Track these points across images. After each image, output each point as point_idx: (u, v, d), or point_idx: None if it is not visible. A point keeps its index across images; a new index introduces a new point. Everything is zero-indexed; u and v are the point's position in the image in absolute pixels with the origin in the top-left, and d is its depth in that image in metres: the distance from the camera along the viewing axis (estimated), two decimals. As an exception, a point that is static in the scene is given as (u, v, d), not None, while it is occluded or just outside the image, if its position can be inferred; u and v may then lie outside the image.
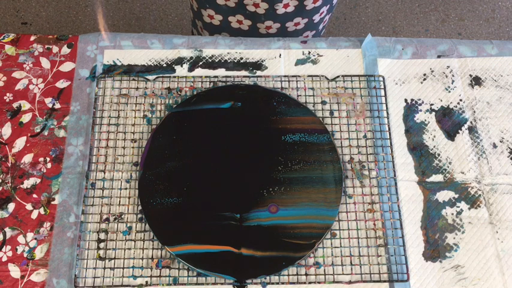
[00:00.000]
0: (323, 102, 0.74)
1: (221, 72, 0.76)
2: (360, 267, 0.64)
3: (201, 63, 0.77)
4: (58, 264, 0.64)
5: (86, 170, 0.68)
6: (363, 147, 0.71)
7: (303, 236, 0.65)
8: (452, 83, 0.76)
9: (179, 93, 0.74)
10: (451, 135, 0.73)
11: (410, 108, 0.74)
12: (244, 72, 0.76)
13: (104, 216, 0.66)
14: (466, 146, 0.72)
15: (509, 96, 0.75)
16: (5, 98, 0.73)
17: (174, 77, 0.75)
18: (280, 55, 0.77)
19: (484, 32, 1.71)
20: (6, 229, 0.66)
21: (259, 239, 0.64)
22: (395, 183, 0.69)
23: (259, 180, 0.68)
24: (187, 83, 0.75)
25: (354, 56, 0.77)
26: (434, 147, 0.72)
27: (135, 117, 0.72)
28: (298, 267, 0.64)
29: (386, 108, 0.73)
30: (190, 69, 0.76)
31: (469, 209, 0.68)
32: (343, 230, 0.66)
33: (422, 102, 0.75)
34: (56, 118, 0.72)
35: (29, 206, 0.67)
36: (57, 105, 0.73)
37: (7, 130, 0.71)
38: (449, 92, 0.75)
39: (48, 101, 0.73)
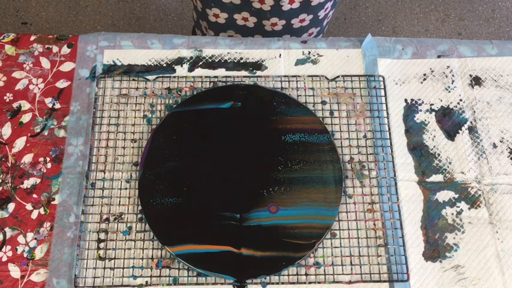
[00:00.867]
0: (323, 102, 0.74)
1: (221, 72, 0.76)
2: (360, 267, 0.64)
3: (201, 63, 0.77)
4: (58, 264, 0.64)
5: (86, 170, 0.68)
6: (363, 147, 0.71)
7: (303, 236, 0.65)
8: (452, 83, 0.76)
9: (179, 93, 0.74)
10: (451, 135, 0.73)
11: (410, 108, 0.74)
12: (244, 72, 0.76)
13: (104, 216, 0.66)
14: (466, 146, 0.72)
15: (509, 96, 0.75)
16: (5, 98, 0.73)
17: (174, 77, 0.75)
18: (280, 55, 0.77)
19: (484, 32, 1.71)
20: (6, 229, 0.66)
21: (259, 239, 0.64)
22: (395, 183, 0.69)
23: (259, 180, 0.68)
24: (187, 83, 0.75)
25: (354, 56, 0.77)
26: (434, 147, 0.72)
27: (135, 117, 0.72)
28: (298, 267, 0.64)
29: (387, 108, 0.73)
30: (190, 69, 0.76)
31: (469, 209, 0.68)
32: (343, 230, 0.66)
33: (422, 102, 0.75)
34: (56, 118, 0.72)
35: (29, 206, 0.67)
36: (57, 105, 0.73)
37: (7, 130, 0.71)
38: (449, 92, 0.75)
39: (48, 101, 0.73)
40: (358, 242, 0.65)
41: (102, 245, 0.65)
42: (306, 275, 0.64)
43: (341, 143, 0.71)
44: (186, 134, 0.71)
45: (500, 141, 0.72)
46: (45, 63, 0.76)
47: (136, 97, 0.74)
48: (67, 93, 0.74)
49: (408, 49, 0.78)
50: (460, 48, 0.78)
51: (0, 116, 0.72)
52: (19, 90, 0.74)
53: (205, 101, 0.73)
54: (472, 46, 0.79)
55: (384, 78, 0.75)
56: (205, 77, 0.75)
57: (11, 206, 0.67)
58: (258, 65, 0.76)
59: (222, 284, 0.63)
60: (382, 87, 0.75)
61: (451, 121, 0.73)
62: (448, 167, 0.71)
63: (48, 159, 0.69)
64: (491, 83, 0.76)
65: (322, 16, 0.93)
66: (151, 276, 0.63)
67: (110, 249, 0.65)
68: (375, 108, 0.73)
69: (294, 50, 0.78)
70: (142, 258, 0.64)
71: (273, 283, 0.63)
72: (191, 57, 0.77)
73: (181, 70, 0.76)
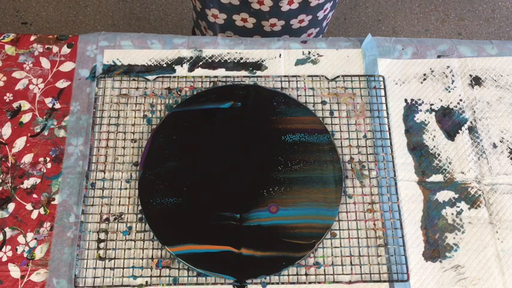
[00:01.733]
0: (323, 102, 0.74)
1: (221, 72, 0.76)
2: (360, 267, 0.64)
3: (201, 63, 0.77)
4: (58, 264, 0.64)
5: (86, 170, 0.68)
6: (363, 147, 0.71)
7: (303, 236, 0.65)
8: (452, 83, 0.76)
9: (179, 93, 0.74)
10: (451, 135, 0.73)
11: (410, 108, 0.74)
12: (244, 72, 0.76)
13: (104, 216, 0.66)
14: (466, 146, 0.72)
15: (509, 96, 0.75)
16: (5, 98, 0.73)
17: (174, 77, 0.75)
18: (280, 55, 0.77)
19: (484, 32, 1.71)
20: (6, 229, 0.66)
21: (259, 239, 0.64)
22: (395, 183, 0.69)
23: (259, 180, 0.68)
24: (187, 83, 0.75)
25: (354, 56, 0.77)
26: (434, 147, 0.72)
27: (135, 117, 0.72)
28: (298, 267, 0.64)
29: (387, 108, 0.73)
30: (190, 69, 0.76)
31: (469, 209, 0.68)
32: (343, 230, 0.66)
33: (422, 102, 0.75)
34: (56, 118, 0.72)
35: (29, 206, 0.67)
36: (57, 105, 0.73)
37: (7, 130, 0.71)
38: (449, 92, 0.75)
39: (48, 101, 0.73)
40: (358, 242, 0.65)
41: (102, 245, 0.65)
42: (306, 275, 0.64)
43: (341, 143, 0.71)
44: (186, 134, 0.70)
45: (500, 141, 0.72)
46: (45, 63, 0.76)
47: (136, 97, 0.74)
48: (67, 93, 0.74)
49: (408, 49, 0.78)
50: (460, 48, 0.78)
51: (0, 116, 0.72)
52: (19, 90, 0.74)
53: (205, 101, 0.73)
54: (472, 46, 0.79)
55: (383, 78, 0.75)
56: (205, 77, 0.75)
57: (11, 206, 0.67)
58: (258, 65, 0.76)
59: (222, 284, 0.63)
60: (382, 87, 0.75)
61: (451, 121, 0.73)
62: (448, 167, 0.71)
63: (48, 159, 0.69)
64: (491, 83, 0.76)
65: (322, 17, 0.93)
66: (151, 276, 0.63)
67: (110, 249, 0.65)
68: (375, 108, 0.73)
69: (294, 50, 0.78)
70: (142, 258, 0.64)
71: (273, 283, 0.63)
72: (191, 57, 0.77)
73: (181, 70, 0.76)
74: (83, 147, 0.70)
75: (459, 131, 0.73)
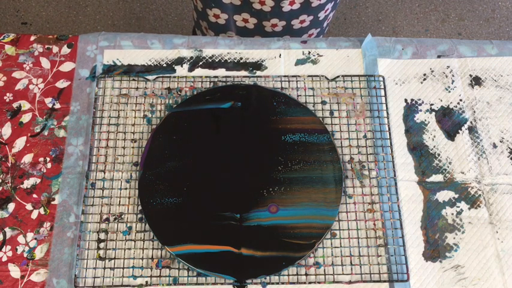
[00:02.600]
0: (323, 102, 0.74)
1: (221, 72, 0.76)
2: (360, 267, 0.64)
3: (201, 63, 0.77)
4: (58, 264, 0.64)
5: (86, 170, 0.68)
6: (363, 147, 0.71)
7: (303, 236, 0.65)
8: (452, 83, 0.76)
9: (179, 93, 0.74)
10: (451, 135, 0.73)
11: (410, 108, 0.74)
12: (244, 72, 0.76)
13: (104, 216, 0.66)
14: (466, 146, 0.72)
15: (509, 96, 0.75)
16: (5, 98, 0.73)
17: (174, 77, 0.75)
18: (280, 55, 0.77)
19: (484, 32, 1.71)
20: (6, 229, 0.66)
21: (259, 239, 0.64)
22: (395, 183, 0.69)
23: (259, 180, 0.68)
24: (187, 83, 0.75)
25: (354, 56, 0.77)
26: (434, 147, 0.72)
27: (135, 117, 0.72)
28: (298, 267, 0.64)
29: (387, 108, 0.73)
30: (190, 69, 0.76)
31: (469, 209, 0.68)
32: (343, 230, 0.66)
33: (422, 102, 0.75)
34: (56, 118, 0.72)
35: (29, 206, 0.67)
36: (57, 105, 0.73)
37: (7, 130, 0.71)
38: (449, 92, 0.75)
39: (48, 101, 0.73)
40: (358, 242, 0.65)
41: (102, 245, 0.65)
42: (306, 275, 0.64)
43: (341, 143, 0.71)
44: (186, 134, 0.70)
45: (500, 141, 0.72)
46: (45, 63, 0.76)
47: (137, 97, 0.74)
48: (67, 93, 0.74)
49: (408, 49, 0.78)
50: (460, 48, 0.78)
51: (0, 116, 0.72)
52: (19, 90, 0.74)
53: (205, 101, 0.73)
54: (472, 46, 0.79)
55: (384, 78, 0.75)
56: (205, 77, 0.75)
57: (11, 206, 0.67)
58: (258, 65, 0.76)
59: (222, 284, 0.63)
60: (382, 87, 0.75)
61: (451, 121, 0.73)
62: (448, 167, 0.71)
63: (48, 159, 0.69)
64: (491, 83, 0.76)
65: (323, 17, 0.93)
66: (151, 276, 0.63)
67: (110, 249, 0.65)
68: (375, 108, 0.73)
69: (294, 50, 0.78)
70: (142, 258, 0.64)
71: (273, 283, 0.63)
72: (191, 57, 0.77)
73: (181, 70, 0.76)
74: (83, 147, 0.70)
75: (459, 131, 0.73)
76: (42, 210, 0.67)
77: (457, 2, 1.75)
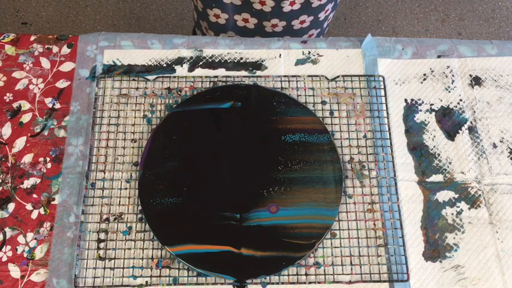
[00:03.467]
0: (323, 102, 0.74)
1: (221, 72, 0.76)
2: (360, 267, 0.64)
3: (201, 63, 0.77)
4: (58, 264, 0.64)
5: (86, 170, 0.68)
6: (363, 147, 0.71)
7: (303, 236, 0.65)
8: (452, 83, 0.76)
9: (179, 93, 0.74)
10: (451, 135, 0.73)
11: (410, 108, 0.74)
12: (244, 72, 0.76)
13: (104, 216, 0.66)
14: (466, 146, 0.72)
15: (509, 96, 0.75)
16: (5, 98, 0.73)
17: (174, 77, 0.75)
18: (280, 55, 0.77)
19: (484, 32, 1.71)
20: (6, 229, 0.66)
21: (259, 239, 0.64)
22: (395, 183, 0.69)
23: (259, 180, 0.68)
24: (187, 83, 0.75)
25: (354, 56, 0.77)
26: (434, 147, 0.72)
27: (135, 117, 0.72)
28: (298, 267, 0.64)
29: (387, 108, 0.73)
30: (190, 69, 0.76)
31: (469, 209, 0.68)
32: (343, 230, 0.66)
33: (422, 102, 0.75)
34: (56, 118, 0.72)
35: (29, 206, 0.67)
36: (57, 105, 0.73)
37: (7, 130, 0.71)
38: (449, 92, 0.75)
39: (48, 101, 0.73)
40: (358, 242, 0.65)
41: (102, 245, 0.65)
42: (306, 275, 0.64)
43: (341, 143, 0.71)
44: (186, 134, 0.70)
45: (500, 141, 0.72)
46: (45, 63, 0.76)
47: (136, 97, 0.74)
48: (67, 93, 0.74)
49: (408, 49, 0.78)
50: (460, 48, 0.78)
51: (0, 116, 0.72)
52: (19, 90, 0.74)
53: (205, 101, 0.73)
54: (472, 46, 0.79)
55: (384, 78, 0.75)
56: (205, 77, 0.75)
57: (11, 206, 0.67)
58: (258, 65, 0.76)
59: (222, 284, 0.63)
60: (382, 87, 0.75)
61: (451, 121, 0.73)
62: (448, 167, 0.71)
63: (48, 159, 0.69)
64: (491, 83, 0.76)
65: (323, 18, 0.93)
66: (151, 276, 0.63)
67: (110, 249, 0.65)
68: (375, 108, 0.73)
69: (294, 50, 0.78)
70: (142, 258, 0.64)
71: (273, 283, 0.63)
72: (191, 57, 0.77)
73: (181, 70, 0.76)
74: (83, 147, 0.70)
75: (459, 131, 0.73)
76: (42, 210, 0.67)
77: (457, 2, 1.75)
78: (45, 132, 0.71)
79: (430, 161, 0.71)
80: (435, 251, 0.66)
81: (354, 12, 1.73)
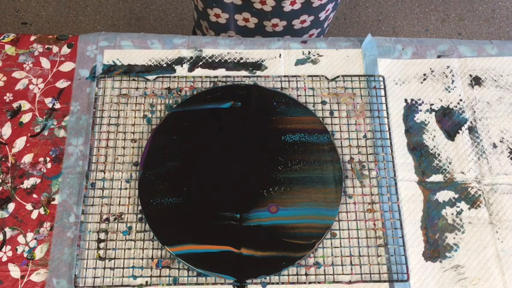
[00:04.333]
0: (323, 102, 0.74)
1: (221, 72, 0.76)
2: (360, 267, 0.64)
3: (201, 63, 0.77)
4: (58, 264, 0.64)
5: (86, 170, 0.68)
6: (363, 147, 0.71)
7: (303, 236, 0.65)
8: (452, 83, 0.76)
9: (179, 93, 0.74)
10: (451, 135, 0.73)
11: (410, 108, 0.74)
12: (244, 72, 0.76)
13: (104, 216, 0.66)
14: (466, 146, 0.72)
15: (509, 96, 0.75)
16: (5, 98, 0.73)
17: (174, 77, 0.75)
18: (280, 55, 0.77)
19: (484, 32, 1.71)
20: (6, 229, 0.66)
21: (259, 239, 0.64)
22: (395, 183, 0.69)
23: (259, 180, 0.68)
24: (187, 83, 0.75)
25: (354, 56, 0.77)
26: (434, 147, 0.72)
27: (135, 117, 0.72)
28: (298, 267, 0.64)
29: (387, 108, 0.73)
30: (190, 69, 0.76)
31: (469, 209, 0.68)
32: (343, 230, 0.66)
33: (422, 102, 0.75)
34: (56, 118, 0.72)
35: (29, 206, 0.67)
36: (57, 105, 0.73)
37: (7, 130, 0.71)
38: (449, 92, 0.75)
39: (48, 101, 0.73)
40: (358, 242, 0.65)
41: (102, 245, 0.65)
42: (306, 275, 0.64)
43: (341, 143, 0.71)
44: (186, 134, 0.71)
45: (500, 141, 0.72)
46: (45, 63, 0.76)
47: (136, 97, 0.74)
48: (67, 93, 0.74)
49: (408, 49, 0.78)
50: (460, 48, 0.78)
51: (0, 116, 0.72)
52: (19, 90, 0.74)
53: (205, 101, 0.73)
54: (472, 46, 0.79)
55: (384, 78, 0.75)
56: (205, 77, 0.75)
57: (11, 206, 0.67)
58: (258, 65, 0.76)
59: (222, 284, 0.63)
60: (382, 87, 0.75)
61: (451, 121, 0.73)
62: (448, 167, 0.71)
63: (48, 159, 0.69)
64: (491, 83, 0.76)
65: (323, 18, 0.93)
66: (151, 276, 0.63)
67: (110, 249, 0.65)
68: (375, 108, 0.73)
69: (294, 50, 0.78)
70: (142, 258, 0.64)
71: (273, 283, 0.63)
72: (191, 57, 0.77)
73: (181, 70, 0.76)
74: (83, 147, 0.70)
75: (459, 131, 0.73)
76: (42, 210, 0.67)
77: (457, 2, 1.75)
78: (45, 132, 0.71)
79: (430, 161, 0.71)
80: (435, 251, 0.66)
81: (354, 12, 1.73)
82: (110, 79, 0.74)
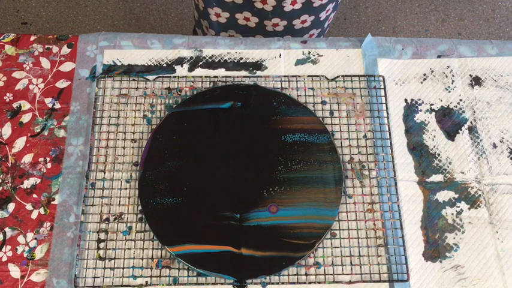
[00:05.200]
0: (323, 102, 0.74)
1: (221, 72, 0.76)
2: (360, 267, 0.64)
3: (201, 63, 0.77)
4: (58, 264, 0.64)
5: (86, 170, 0.68)
6: (363, 147, 0.71)
7: (303, 236, 0.65)
8: (452, 83, 0.76)
9: (179, 93, 0.74)
10: (451, 135, 0.73)
11: (410, 108, 0.74)
12: (244, 72, 0.76)
13: (104, 216, 0.66)
14: (466, 146, 0.72)
15: (509, 96, 0.75)
16: (5, 98, 0.73)
17: (174, 77, 0.75)
18: (280, 55, 0.77)
19: (484, 32, 1.71)
20: (6, 229, 0.66)
21: (259, 239, 0.64)
22: (396, 183, 0.69)
23: (259, 180, 0.68)
24: (187, 83, 0.75)
25: (354, 56, 0.77)
26: (434, 147, 0.72)
27: (135, 117, 0.72)
28: (298, 267, 0.64)
29: (387, 108, 0.73)
30: (190, 69, 0.76)
31: (469, 209, 0.68)
32: (343, 230, 0.66)
33: (422, 102, 0.75)
34: (56, 118, 0.72)
35: (29, 206, 0.67)
36: (57, 105, 0.73)
37: (7, 130, 0.71)
38: (449, 92, 0.75)
39: (48, 101, 0.73)
40: (358, 242, 0.65)
41: (102, 245, 0.65)
42: (306, 275, 0.64)
43: (341, 143, 0.71)
44: (186, 134, 0.70)
45: (500, 141, 0.72)
46: (45, 63, 0.76)
47: (136, 97, 0.74)
48: (67, 93, 0.74)
49: (408, 49, 0.78)
50: (460, 48, 0.78)
51: (0, 116, 0.72)
52: (19, 90, 0.74)
53: (205, 101, 0.73)
54: (472, 46, 0.79)
55: (384, 78, 0.75)
56: (205, 77, 0.75)
57: (11, 206, 0.67)
58: (258, 65, 0.76)
59: (222, 284, 0.63)
60: (382, 87, 0.75)
61: (451, 121, 0.73)
62: (448, 167, 0.71)
63: (48, 159, 0.69)
64: (491, 83, 0.76)
65: (324, 18, 0.93)
66: (151, 276, 0.63)
67: (110, 249, 0.65)
68: (375, 108, 0.73)
69: (294, 50, 0.78)
70: (142, 258, 0.64)
71: (273, 283, 0.63)
72: (191, 57, 0.77)
73: (181, 70, 0.76)
74: (83, 147, 0.70)
75: (459, 131, 0.73)
76: (42, 210, 0.67)
77: (457, 2, 1.75)
78: (45, 132, 0.71)
79: (430, 161, 0.71)
80: (435, 251, 0.66)
81: (354, 12, 1.73)
82: (110, 79, 0.74)
